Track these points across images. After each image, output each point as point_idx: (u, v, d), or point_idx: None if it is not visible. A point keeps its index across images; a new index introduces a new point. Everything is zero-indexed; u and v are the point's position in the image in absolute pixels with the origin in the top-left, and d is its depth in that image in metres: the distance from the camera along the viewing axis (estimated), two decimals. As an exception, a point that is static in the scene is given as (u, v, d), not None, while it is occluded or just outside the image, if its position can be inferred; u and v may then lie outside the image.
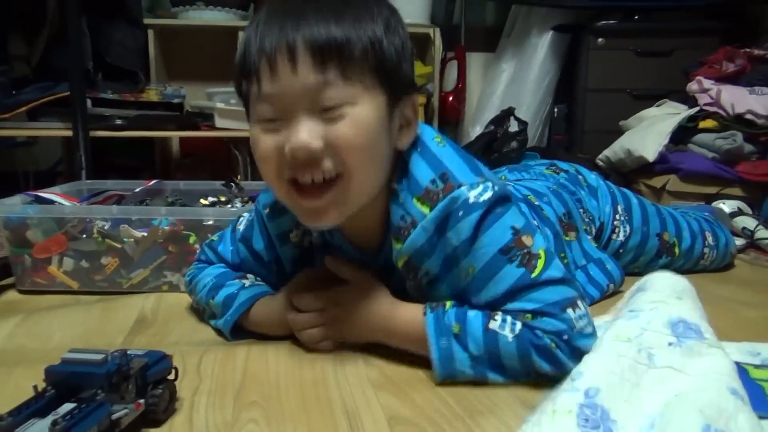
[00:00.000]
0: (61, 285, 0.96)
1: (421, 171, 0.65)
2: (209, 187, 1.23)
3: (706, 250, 1.08)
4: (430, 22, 2.28)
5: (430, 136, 0.68)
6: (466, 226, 0.62)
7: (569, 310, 0.59)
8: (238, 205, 1.15)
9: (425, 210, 0.63)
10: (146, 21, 2.11)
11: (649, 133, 1.75)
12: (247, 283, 0.78)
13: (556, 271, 0.62)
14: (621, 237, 1.01)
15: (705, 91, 1.72)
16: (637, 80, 2.13)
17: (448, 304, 0.65)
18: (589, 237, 0.95)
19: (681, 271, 1.05)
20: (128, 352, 0.53)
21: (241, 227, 0.82)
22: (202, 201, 1.18)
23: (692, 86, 1.77)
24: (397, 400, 0.59)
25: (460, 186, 0.62)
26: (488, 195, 0.62)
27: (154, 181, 1.23)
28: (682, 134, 1.74)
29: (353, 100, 0.59)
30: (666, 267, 1.03)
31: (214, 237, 0.86)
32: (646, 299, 0.57)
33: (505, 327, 0.60)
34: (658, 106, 1.92)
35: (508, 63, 2.39)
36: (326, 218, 0.63)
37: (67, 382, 0.50)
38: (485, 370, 0.61)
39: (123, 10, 1.84)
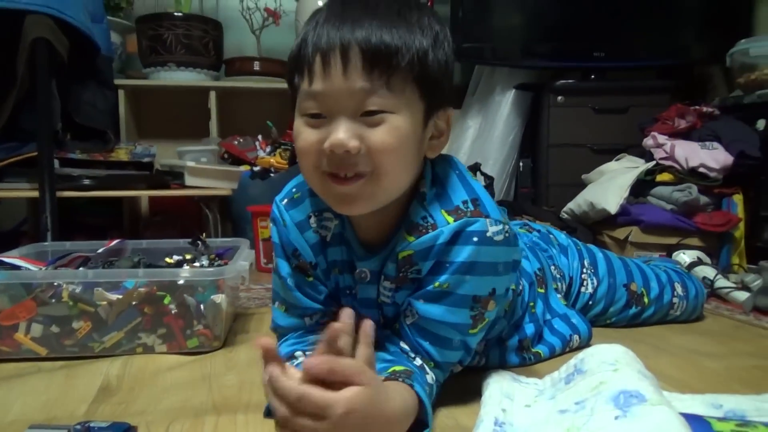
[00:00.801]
0: (27, 352, 0.93)
1: (457, 192, 0.70)
2: (173, 245, 1.21)
3: (675, 300, 1.10)
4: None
5: (464, 168, 0.74)
6: (469, 252, 0.66)
7: (450, 367, 0.73)
8: (205, 262, 1.13)
9: (450, 220, 0.68)
10: (117, 82, 2.13)
11: (610, 186, 1.82)
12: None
13: (475, 340, 0.72)
14: (589, 289, 1.05)
15: (660, 146, 1.81)
16: (596, 136, 2.22)
17: (409, 371, 0.64)
18: (559, 295, 0.98)
19: (651, 321, 1.10)
20: (91, 425, 0.52)
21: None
22: (168, 260, 1.15)
23: (647, 141, 1.86)
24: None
25: (487, 216, 0.68)
26: (500, 237, 0.68)
27: (116, 241, 1.20)
28: (640, 187, 1.81)
29: (394, 108, 0.63)
30: (636, 317, 1.08)
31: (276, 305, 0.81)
32: (587, 387, 0.58)
33: (433, 383, 0.69)
34: (617, 160, 2.00)
35: (474, 120, 2.47)
36: (356, 205, 0.67)
37: (26, 459, 0.48)
38: None
39: (94, 72, 1.86)
